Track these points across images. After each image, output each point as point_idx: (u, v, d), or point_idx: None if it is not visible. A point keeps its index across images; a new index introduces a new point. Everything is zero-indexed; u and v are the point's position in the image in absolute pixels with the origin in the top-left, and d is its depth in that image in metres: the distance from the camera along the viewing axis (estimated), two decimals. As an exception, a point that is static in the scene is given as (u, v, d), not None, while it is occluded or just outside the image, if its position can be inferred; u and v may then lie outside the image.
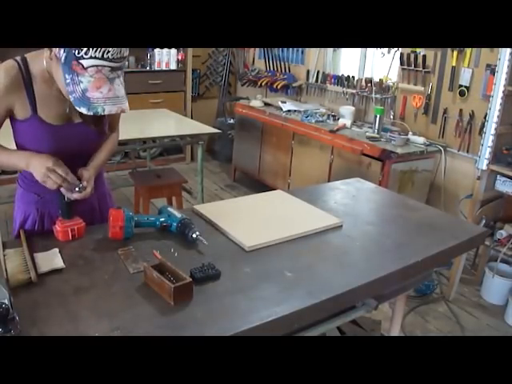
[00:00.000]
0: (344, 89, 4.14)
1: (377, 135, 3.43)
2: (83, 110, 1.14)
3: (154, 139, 3.69)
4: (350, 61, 4.33)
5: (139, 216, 1.45)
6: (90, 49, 1.10)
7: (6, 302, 0.94)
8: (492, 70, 2.96)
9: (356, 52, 4.19)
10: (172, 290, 1.10)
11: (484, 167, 2.73)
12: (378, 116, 3.49)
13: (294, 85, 4.65)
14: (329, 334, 1.79)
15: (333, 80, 4.28)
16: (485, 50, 3.10)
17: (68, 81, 1.13)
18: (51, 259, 1.25)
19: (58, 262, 1.24)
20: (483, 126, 2.87)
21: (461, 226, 1.82)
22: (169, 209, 1.49)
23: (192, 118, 5.07)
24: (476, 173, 2.82)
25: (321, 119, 3.86)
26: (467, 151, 3.29)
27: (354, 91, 4.06)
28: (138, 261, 1.28)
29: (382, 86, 3.81)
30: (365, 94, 3.95)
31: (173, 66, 5.11)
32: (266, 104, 4.41)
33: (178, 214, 1.45)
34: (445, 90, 3.40)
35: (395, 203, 1.94)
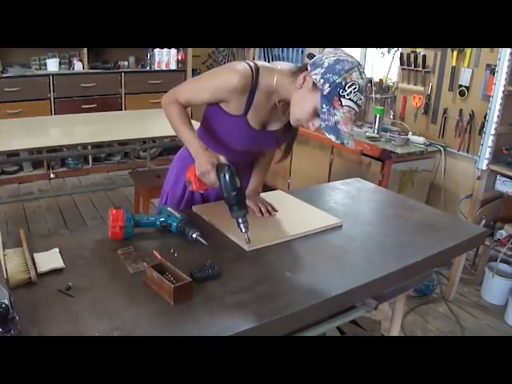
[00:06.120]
0: (344, 89, 4.13)
1: (377, 135, 3.43)
2: (332, 138, 1.30)
3: (154, 139, 3.69)
4: (349, 61, 4.32)
5: (139, 216, 1.45)
6: (352, 93, 1.27)
7: (6, 301, 0.94)
8: (492, 69, 2.95)
9: (356, 52, 4.18)
10: (172, 289, 1.09)
11: (484, 167, 2.73)
12: (378, 116, 3.49)
13: (293, 85, 4.65)
14: (329, 334, 1.79)
15: (333, 80, 4.28)
16: (485, 50, 3.10)
17: (324, 110, 1.30)
18: (51, 259, 1.25)
19: (58, 262, 1.24)
20: (483, 126, 2.87)
21: (461, 225, 1.82)
22: (169, 209, 1.49)
23: (192, 117, 5.05)
24: (476, 173, 2.82)
25: (321, 119, 3.85)
26: (467, 151, 3.29)
27: (353, 91, 4.05)
28: (137, 261, 1.28)
29: (382, 86, 3.81)
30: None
31: (173, 66, 5.11)
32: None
33: (177, 214, 1.45)
34: (445, 90, 3.40)
35: (395, 203, 1.94)
